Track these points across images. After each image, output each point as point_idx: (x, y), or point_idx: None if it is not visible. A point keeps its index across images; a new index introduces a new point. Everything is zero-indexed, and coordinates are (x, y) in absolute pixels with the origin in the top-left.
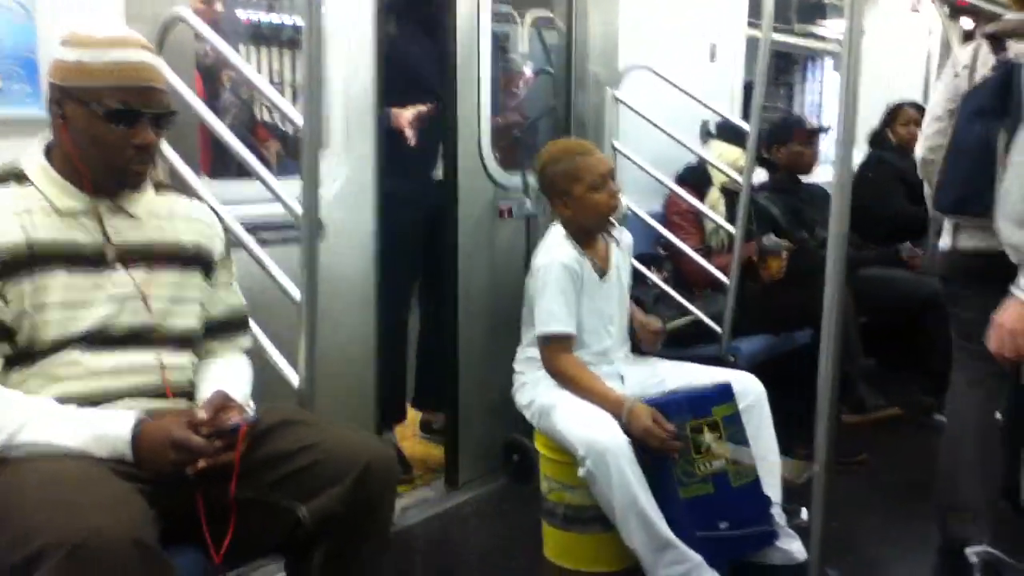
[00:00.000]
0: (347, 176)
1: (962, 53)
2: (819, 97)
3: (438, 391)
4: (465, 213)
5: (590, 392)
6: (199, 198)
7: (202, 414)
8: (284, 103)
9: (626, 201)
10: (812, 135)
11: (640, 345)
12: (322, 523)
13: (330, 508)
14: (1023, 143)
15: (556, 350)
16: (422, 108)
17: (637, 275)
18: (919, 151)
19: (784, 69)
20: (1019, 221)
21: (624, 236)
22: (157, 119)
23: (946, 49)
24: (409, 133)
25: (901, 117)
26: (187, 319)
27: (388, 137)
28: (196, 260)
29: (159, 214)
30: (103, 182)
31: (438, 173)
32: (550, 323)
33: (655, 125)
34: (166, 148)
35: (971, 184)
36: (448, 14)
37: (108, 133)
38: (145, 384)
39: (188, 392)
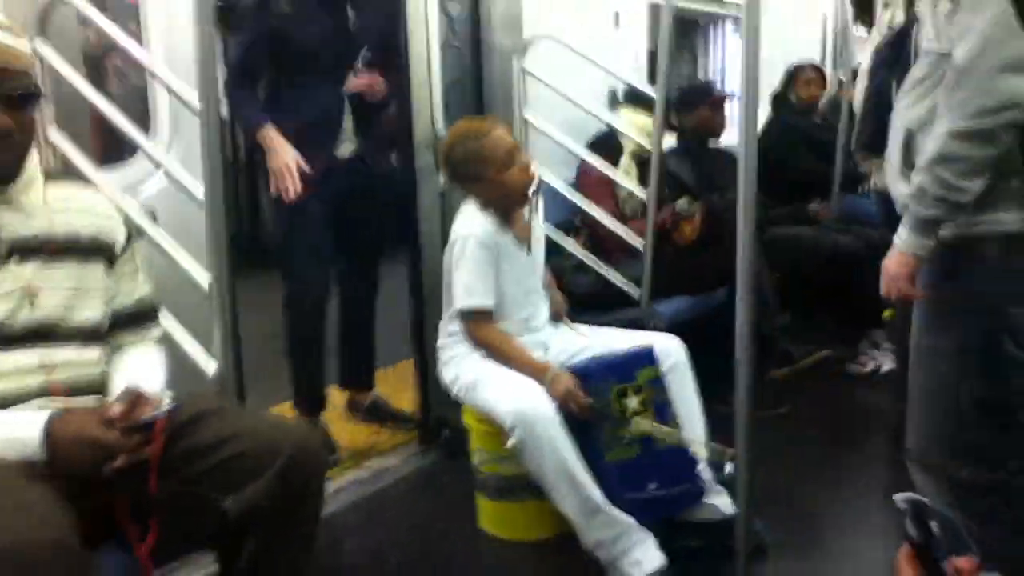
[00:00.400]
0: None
1: (886, 14)
2: (722, 62)
3: (367, 370)
4: (426, 190)
5: (514, 360)
6: (96, 187)
7: (116, 409)
8: (178, 83)
9: (539, 171)
10: (720, 100)
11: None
12: (248, 515)
13: (256, 499)
14: (901, 93)
15: (477, 323)
16: (299, 164)
17: (554, 244)
18: (857, 106)
19: (687, 34)
20: (897, 171)
21: (537, 205)
22: (12, 101)
23: (841, 10)
24: (288, 186)
25: (801, 78)
26: (90, 312)
27: (275, 114)
28: (96, 251)
29: (53, 206)
30: None
31: (344, 150)
32: (468, 298)
33: (563, 95)
34: (57, 137)
35: (876, 130)
36: None
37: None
38: (55, 382)
39: (100, 388)
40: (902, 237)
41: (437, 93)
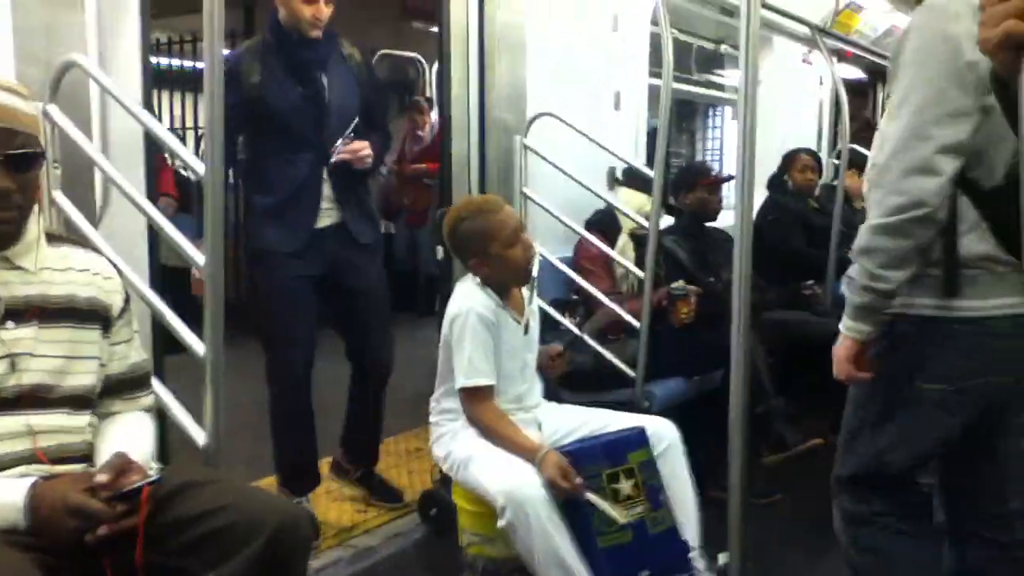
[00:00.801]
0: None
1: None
2: (720, 143)
3: (373, 446)
4: None
5: (506, 440)
6: (96, 250)
7: (101, 477)
8: (184, 151)
9: (537, 247)
10: (716, 182)
11: (546, 374)
12: None
13: (240, 573)
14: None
15: (477, 400)
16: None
17: (550, 320)
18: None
19: (686, 116)
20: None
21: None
22: (14, 162)
23: (836, 98)
24: None
25: (797, 164)
26: (83, 377)
27: (251, 188)
28: (93, 315)
29: (53, 267)
30: None
31: (323, 221)
32: (472, 375)
33: (563, 172)
34: (60, 198)
35: None
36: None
37: None
38: (40, 449)
39: (87, 455)
40: (844, 323)
41: (475, 168)
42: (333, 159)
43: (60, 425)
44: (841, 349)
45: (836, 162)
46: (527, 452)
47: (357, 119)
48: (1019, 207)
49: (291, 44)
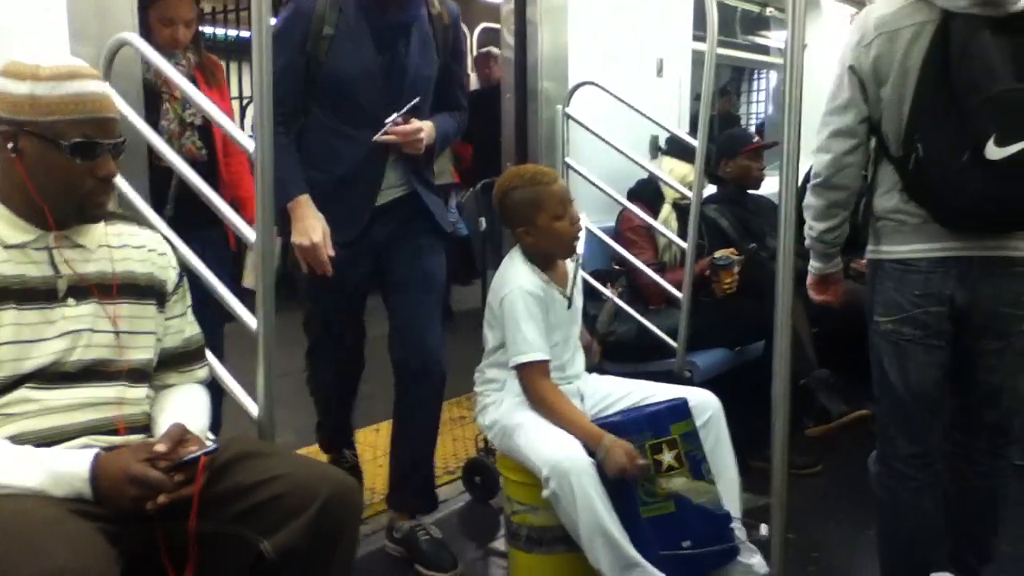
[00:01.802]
0: None
1: None
2: (767, 107)
3: (425, 491)
4: None
5: (567, 421)
6: (151, 227)
7: (160, 448)
8: (234, 128)
9: (584, 222)
10: (758, 149)
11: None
12: (285, 556)
13: (292, 542)
14: None
15: (536, 377)
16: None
17: (592, 291)
18: None
19: (734, 79)
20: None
21: (579, 257)
22: (115, 148)
23: None
24: (322, 263)
25: None
26: (142, 352)
27: (307, 166)
28: (150, 291)
29: (111, 245)
30: (64, 215)
31: (387, 197)
32: (528, 351)
33: (606, 141)
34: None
35: None
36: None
37: (70, 166)
38: (101, 420)
39: (145, 426)
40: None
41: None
42: (377, 135)
43: (120, 397)
44: (808, 280)
45: None
46: (589, 436)
47: (419, 96)
48: (918, 172)
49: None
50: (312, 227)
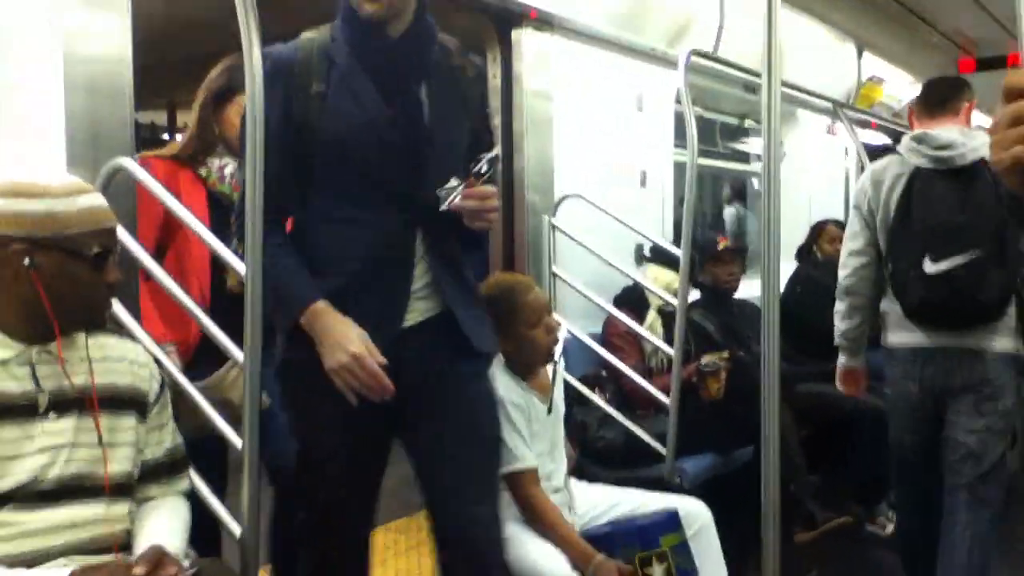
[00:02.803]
0: None
1: None
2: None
3: None
4: None
5: (560, 537)
6: (133, 338)
7: (138, 571)
8: (226, 252)
9: (566, 324)
10: (727, 254)
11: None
12: None
13: None
14: None
15: (525, 486)
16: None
17: (579, 396)
18: None
19: (715, 190)
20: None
21: (558, 361)
22: (115, 258)
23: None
24: (374, 386)
25: (826, 234)
26: (120, 465)
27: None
28: (131, 403)
29: (92, 357)
30: (72, 324)
31: (416, 315)
32: (513, 461)
33: (591, 251)
34: None
35: None
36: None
37: (87, 276)
38: (83, 540)
39: (125, 544)
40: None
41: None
42: (445, 204)
43: (98, 516)
44: (838, 373)
45: None
46: (579, 555)
47: (489, 156)
48: (892, 281)
49: (373, 40)
50: (345, 336)
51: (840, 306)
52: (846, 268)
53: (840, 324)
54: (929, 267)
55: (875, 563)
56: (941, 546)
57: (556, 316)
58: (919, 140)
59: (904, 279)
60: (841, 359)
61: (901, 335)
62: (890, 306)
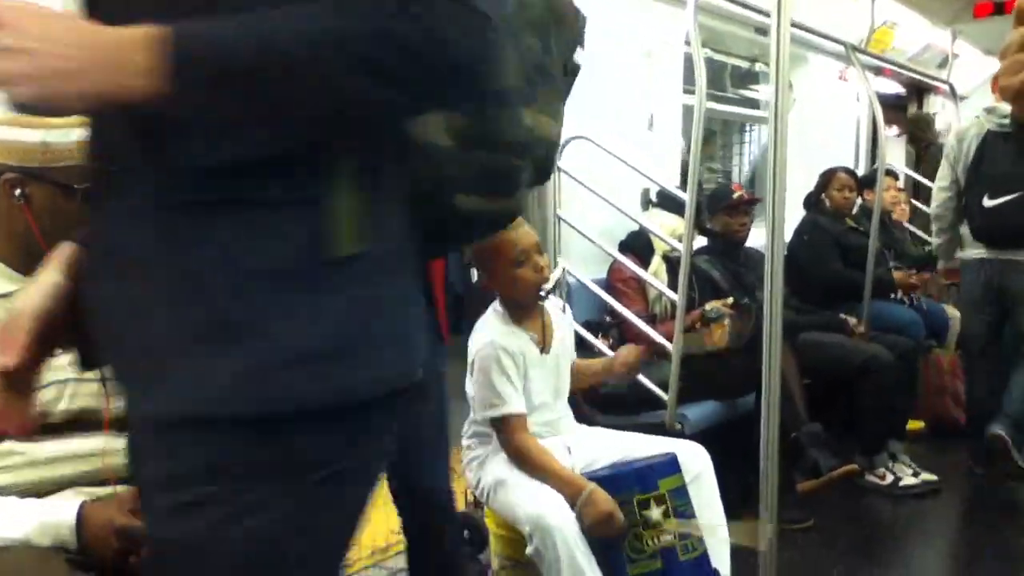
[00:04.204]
0: None
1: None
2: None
3: None
4: None
5: (549, 475)
6: None
7: None
8: None
9: (571, 269)
10: (739, 205)
11: (615, 376)
12: None
13: None
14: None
15: (512, 431)
16: None
17: (583, 342)
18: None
19: (724, 133)
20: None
21: (564, 307)
22: None
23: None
24: None
25: (835, 182)
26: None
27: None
28: None
29: None
30: None
31: None
32: (500, 406)
33: (597, 194)
34: None
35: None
36: None
37: (77, 210)
38: (88, 471)
39: (123, 477)
40: None
41: None
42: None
43: (105, 448)
44: (938, 267)
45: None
46: (571, 489)
47: None
48: (965, 212)
49: None
50: None
51: (933, 225)
52: (936, 200)
53: (934, 239)
54: (987, 202)
55: (874, 513)
56: (1012, 379)
57: (561, 260)
58: (990, 111)
59: (971, 211)
60: (941, 261)
61: (969, 251)
62: (964, 229)
